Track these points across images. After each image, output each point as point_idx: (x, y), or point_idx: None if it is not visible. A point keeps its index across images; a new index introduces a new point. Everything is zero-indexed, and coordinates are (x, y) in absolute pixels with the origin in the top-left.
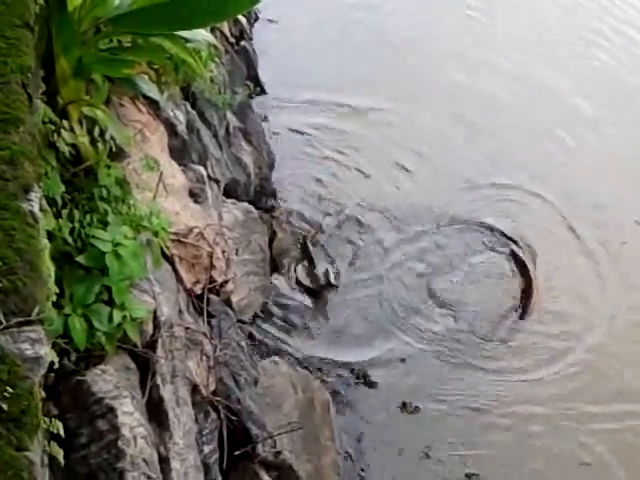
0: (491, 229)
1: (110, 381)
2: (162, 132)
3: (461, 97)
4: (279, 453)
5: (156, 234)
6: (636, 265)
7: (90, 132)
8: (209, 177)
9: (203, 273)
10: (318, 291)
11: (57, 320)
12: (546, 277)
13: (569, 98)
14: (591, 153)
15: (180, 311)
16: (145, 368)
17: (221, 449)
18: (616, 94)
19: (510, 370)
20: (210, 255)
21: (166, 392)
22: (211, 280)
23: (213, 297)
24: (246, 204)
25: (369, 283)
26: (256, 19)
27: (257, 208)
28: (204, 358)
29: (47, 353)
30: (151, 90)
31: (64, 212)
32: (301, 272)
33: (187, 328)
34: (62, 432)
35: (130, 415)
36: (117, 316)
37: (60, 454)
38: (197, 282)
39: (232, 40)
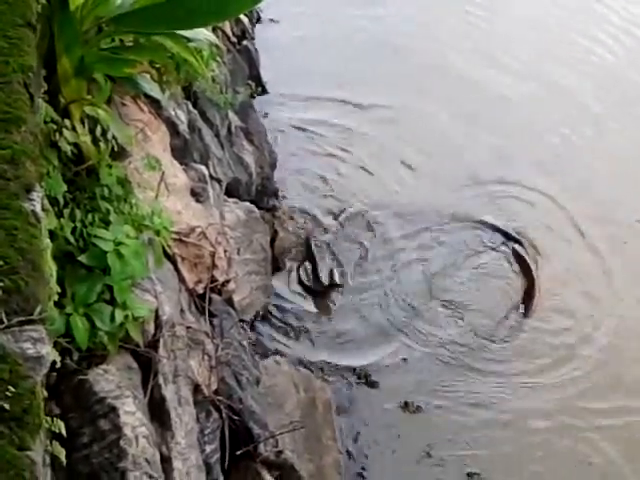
0: (494, 227)
1: (112, 381)
2: (164, 131)
3: (464, 94)
4: (281, 452)
5: (158, 233)
6: None
7: (92, 131)
8: (211, 176)
9: (205, 272)
10: (321, 292)
11: (59, 319)
12: (551, 274)
13: (574, 96)
14: (595, 151)
15: (182, 310)
16: (147, 368)
17: (223, 449)
18: (621, 92)
19: (513, 369)
20: (212, 254)
21: (168, 392)
22: (213, 279)
23: (215, 296)
24: (248, 203)
25: (371, 283)
26: (258, 19)
27: (259, 207)
28: (206, 357)
29: (49, 352)
30: (153, 89)
31: (66, 211)
32: (304, 272)
33: (189, 327)
34: (64, 431)
35: (132, 415)
36: (119, 315)
37: (62, 453)
38: (199, 281)
39: (234, 39)
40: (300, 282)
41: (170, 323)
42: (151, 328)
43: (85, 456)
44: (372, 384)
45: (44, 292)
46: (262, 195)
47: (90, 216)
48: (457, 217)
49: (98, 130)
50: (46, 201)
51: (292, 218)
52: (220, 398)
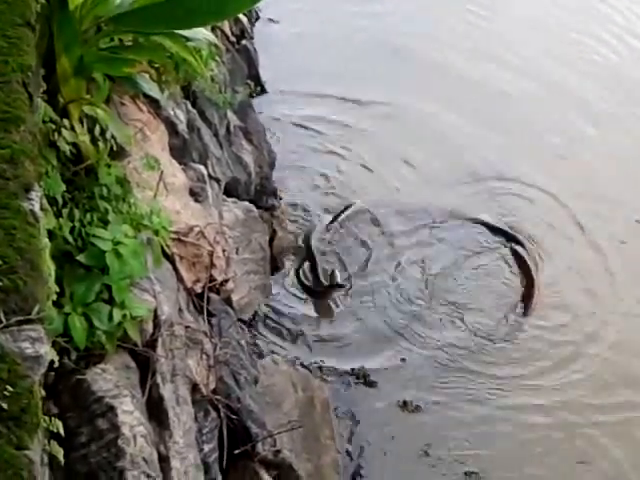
0: (494, 226)
1: (110, 380)
2: (162, 131)
3: (464, 92)
4: (279, 452)
5: (156, 233)
6: None
7: (91, 131)
8: (210, 176)
9: (203, 272)
10: (321, 292)
11: (57, 319)
12: (552, 272)
13: (576, 95)
14: (597, 149)
15: (180, 310)
16: (145, 367)
17: (221, 448)
18: (624, 91)
19: (513, 368)
20: (210, 254)
21: (166, 391)
22: (211, 279)
23: (213, 296)
24: (247, 203)
25: (372, 284)
26: (257, 18)
27: (258, 207)
28: (204, 357)
29: (47, 352)
30: (152, 89)
31: (64, 211)
32: (303, 272)
33: (187, 327)
34: (62, 431)
35: (130, 414)
36: (117, 315)
37: (60, 453)
38: (197, 281)
39: (233, 39)
40: (300, 282)
41: (168, 322)
42: (149, 327)
43: (83, 455)
44: (370, 384)
45: (42, 292)
46: (261, 195)
47: (89, 216)
48: (457, 215)
49: (97, 130)
50: (45, 201)
51: (291, 217)
52: (218, 397)
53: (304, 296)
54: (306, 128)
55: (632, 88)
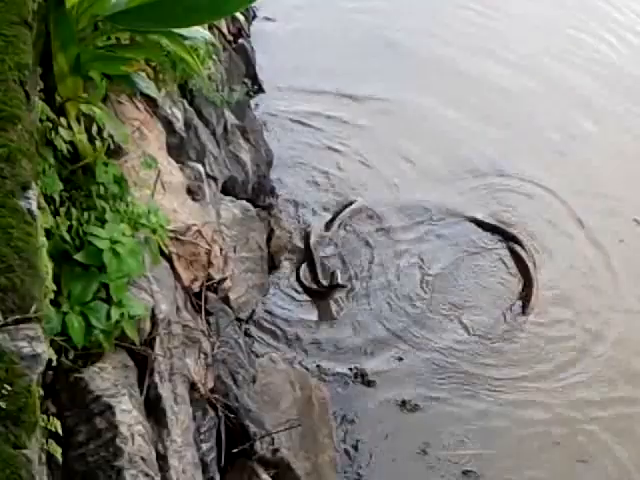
0: (492, 223)
1: (108, 379)
2: (160, 130)
3: (463, 89)
4: (277, 451)
5: (154, 232)
6: None
7: (88, 130)
8: (207, 175)
9: (201, 271)
10: (322, 292)
11: (55, 318)
12: (553, 269)
13: (576, 92)
14: (597, 146)
15: (178, 309)
16: (143, 366)
17: (219, 447)
18: (625, 89)
19: (512, 367)
20: (208, 253)
21: (164, 390)
22: (209, 278)
23: (211, 295)
24: (244, 202)
25: (371, 285)
26: (254, 17)
27: (255, 206)
28: (202, 356)
29: (45, 351)
30: (149, 88)
31: (62, 210)
32: (303, 272)
33: (185, 326)
34: (60, 430)
35: (128, 413)
36: (115, 314)
37: (58, 452)
38: (195, 280)
39: (230, 38)
40: (300, 282)
41: (166, 321)
42: (147, 326)
43: (81, 454)
44: (368, 383)
45: (40, 290)
46: (258, 193)
47: (86, 214)
48: (456, 213)
49: (94, 128)
50: (42, 199)
51: (289, 214)
52: (216, 396)
53: (301, 297)
54: (304, 124)
55: (632, 85)
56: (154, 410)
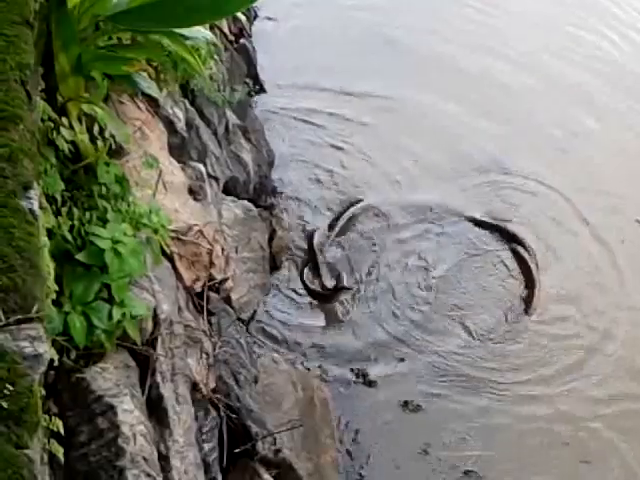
0: (493, 223)
1: (110, 379)
2: (161, 130)
3: (464, 86)
4: (279, 451)
5: (156, 232)
6: None
7: (89, 130)
8: (208, 175)
9: (202, 271)
10: (327, 295)
11: (57, 318)
12: (556, 266)
13: (578, 89)
14: (599, 144)
15: (180, 309)
16: (145, 366)
17: (221, 447)
18: (627, 86)
19: (515, 366)
20: (209, 253)
21: (166, 390)
22: (210, 278)
23: (213, 295)
24: (245, 202)
25: (373, 285)
26: (255, 17)
27: (257, 206)
28: (204, 356)
29: (47, 351)
30: (150, 87)
31: (64, 210)
32: (307, 274)
33: (187, 326)
34: (62, 430)
35: (130, 413)
36: (117, 314)
37: (60, 452)
38: (196, 280)
39: (231, 38)
40: (304, 285)
41: (168, 321)
42: (149, 326)
43: (83, 454)
44: (370, 383)
45: (42, 290)
46: (260, 193)
47: (88, 214)
48: (459, 212)
49: (95, 128)
50: (43, 199)
51: (292, 212)
52: (218, 396)
53: (302, 300)
54: (305, 122)
55: (634, 83)
56: (156, 410)
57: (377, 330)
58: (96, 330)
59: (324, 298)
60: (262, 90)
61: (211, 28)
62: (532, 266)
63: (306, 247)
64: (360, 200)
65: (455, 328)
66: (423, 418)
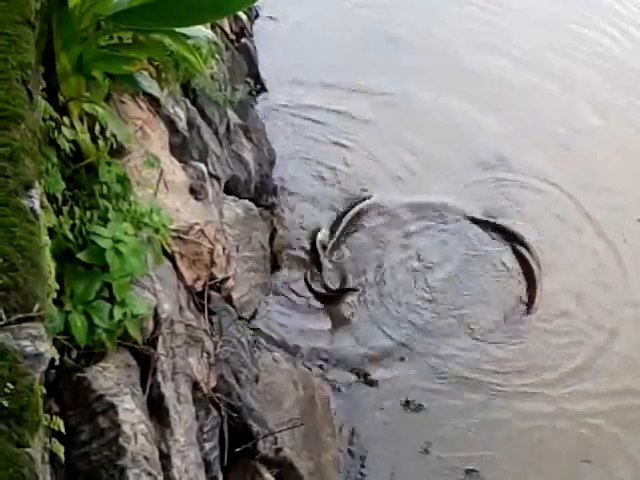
0: (495, 222)
1: (111, 378)
2: (162, 129)
3: (467, 83)
4: (280, 450)
5: (157, 231)
6: None
7: (91, 129)
8: (210, 174)
9: (203, 270)
10: (332, 297)
11: (58, 317)
12: (560, 264)
13: (580, 86)
14: (602, 141)
15: (181, 308)
16: (146, 365)
17: (222, 446)
18: (628, 83)
19: (517, 366)
20: (211, 252)
21: (167, 389)
22: (211, 277)
23: (214, 294)
24: (247, 201)
25: (376, 286)
26: (256, 16)
27: (258, 205)
28: (205, 355)
29: (48, 350)
30: (151, 87)
31: (65, 209)
32: (310, 276)
33: (188, 325)
34: (63, 429)
35: (131, 412)
36: (118, 313)
37: (61, 451)
38: (198, 279)
39: (232, 37)
40: (309, 287)
41: (169, 321)
42: (150, 325)
43: (84, 453)
44: (371, 383)
45: (43, 289)
46: (261, 193)
47: (89, 213)
48: (462, 211)
49: (97, 128)
50: (45, 198)
51: (295, 209)
52: (219, 395)
53: (301, 301)
54: (308, 119)
55: (634, 79)
56: (157, 409)
57: (378, 331)
58: (97, 329)
59: (329, 299)
60: (263, 89)
61: (212, 27)
62: (534, 266)
63: (309, 247)
64: (363, 198)
65: (456, 328)
66: (424, 417)
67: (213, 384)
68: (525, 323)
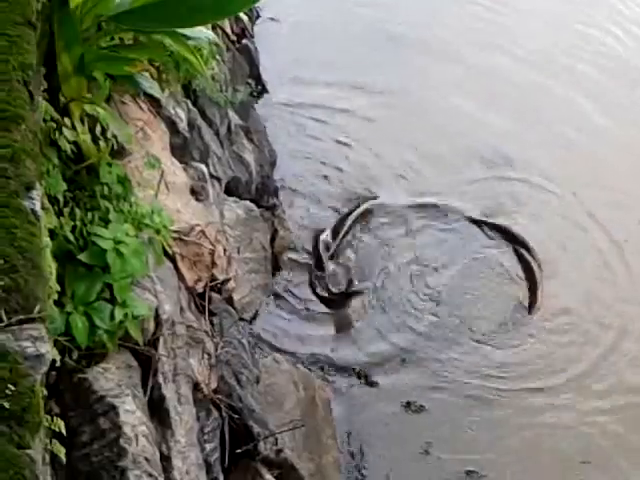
0: (497, 224)
1: (112, 379)
2: (163, 130)
3: (469, 82)
4: (281, 451)
5: (158, 232)
6: None
7: (92, 130)
8: (210, 175)
9: (204, 271)
10: (337, 300)
11: (59, 318)
12: (564, 263)
13: (583, 85)
14: (606, 140)
15: (182, 309)
16: (147, 366)
17: (223, 447)
18: (631, 82)
19: (517, 369)
20: (211, 253)
21: (168, 390)
22: (212, 278)
23: (215, 295)
24: (248, 202)
25: (377, 289)
26: (258, 17)
27: (259, 206)
28: (206, 356)
29: (49, 351)
30: (152, 88)
31: (66, 210)
32: (313, 278)
33: (189, 326)
34: (64, 430)
35: (132, 413)
36: (119, 314)
37: (62, 452)
38: (198, 280)
39: (234, 38)
40: (312, 289)
41: (170, 322)
42: (151, 327)
43: (85, 455)
44: (372, 384)
45: (44, 291)
46: (262, 194)
47: (90, 215)
48: (464, 211)
49: (98, 129)
50: (46, 200)
51: (296, 209)
52: (220, 397)
53: (301, 305)
54: (309, 118)
55: (637, 78)
56: (158, 410)
57: (378, 331)
58: (98, 330)
59: (334, 303)
60: (264, 90)
61: (213, 28)
62: (534, 267)
63: (311, 248)
64: (366, 199)
65: (458, 330)
66: (425, 419)
67: (214, 385)
68: (527, 324)
